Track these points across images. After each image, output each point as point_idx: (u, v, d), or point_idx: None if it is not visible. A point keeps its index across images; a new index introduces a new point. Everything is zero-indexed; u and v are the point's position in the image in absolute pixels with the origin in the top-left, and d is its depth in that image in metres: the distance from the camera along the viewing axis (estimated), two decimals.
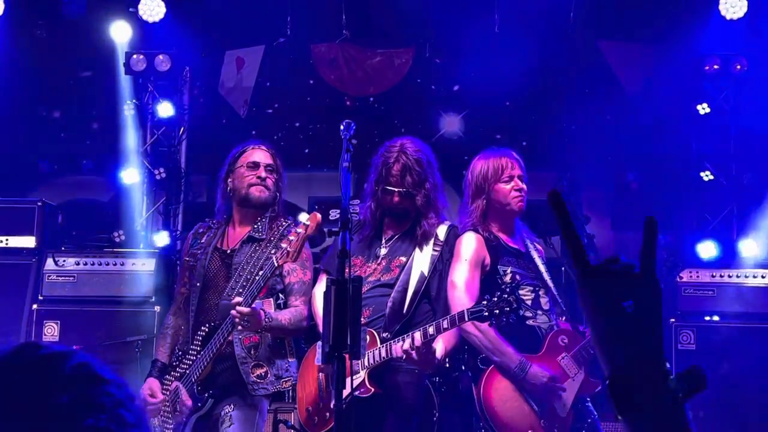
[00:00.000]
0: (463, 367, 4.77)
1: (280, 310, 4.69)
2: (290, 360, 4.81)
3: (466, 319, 4.14)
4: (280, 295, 4.68)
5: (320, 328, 4.53)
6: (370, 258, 4.63)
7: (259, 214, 4.84)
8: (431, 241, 4.59)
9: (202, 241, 4.95)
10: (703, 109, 8.07)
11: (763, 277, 7.09)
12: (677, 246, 8.41)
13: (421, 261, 4.55)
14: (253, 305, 4.41)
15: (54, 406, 1.29)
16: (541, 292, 4.64)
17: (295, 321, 4.63)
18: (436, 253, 4.56)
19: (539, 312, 4.59)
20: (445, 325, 4.20)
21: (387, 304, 4.49)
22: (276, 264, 4.31)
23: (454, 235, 4.62)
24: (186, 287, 4.94)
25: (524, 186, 4.72)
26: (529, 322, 4.57)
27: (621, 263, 1.44)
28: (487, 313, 4.08)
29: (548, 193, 1.43)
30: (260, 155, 4.86)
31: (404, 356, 4.21)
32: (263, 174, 4.79)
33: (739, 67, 8.00)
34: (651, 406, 1.34)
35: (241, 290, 4.64)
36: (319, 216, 4.21)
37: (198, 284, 4.82)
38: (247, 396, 4.65)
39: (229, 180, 4.89)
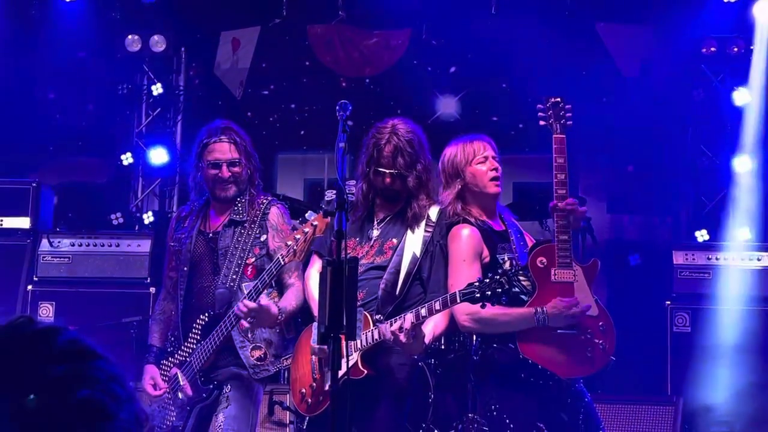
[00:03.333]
0: (495, 345, 4.66)
1: (273, 291, 4.70)
2: (288, 336, 4.84)
3: (458, 300, 4.13)
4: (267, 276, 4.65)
5: (314, 310, 4.55)
6: (362, 240, 4.62)
7: (236, 198, 4.84)
8: (423, 223, 4.57)
9: (185, 224, 4.96)
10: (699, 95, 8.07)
11: (758, 259, 7.09)
12: (673, 229, 8.43)
13: (413, 243, 4.54)
14: (261, 301, 4.41)
15: (48, 377, 1.29)
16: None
17: (300, 301, 4.66)
18: (428, 235, 4.55)
19: None
20: (437, 307, 4.19)
21: (380, 286, 4.48)
22: (282, 263, 4.32)
23: (446, 217, 4.61)
24: (174, 272, 4.94)
25: (499, 167, 4.67)
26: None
27: None
28: (479, 294, 4.06)
29: None
30: (221, 150, 4.77)
31: (392, 338, 4.20)
32: (225, 174, 4.75)
33: (736, 49, 7.98)
34: None
35: (234, 276, 4.66)
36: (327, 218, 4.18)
37: (185, 268, 4.83)
38: (244, 377, 4.68)
39: (199, 171, 4.87)
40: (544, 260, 4.49)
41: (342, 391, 3.78)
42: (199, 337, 4.63)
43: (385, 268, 4.51)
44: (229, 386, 4.65)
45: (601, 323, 4.45)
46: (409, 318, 4.18)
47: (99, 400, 1.30)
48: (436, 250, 4.55)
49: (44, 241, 7.39)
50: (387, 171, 4.50)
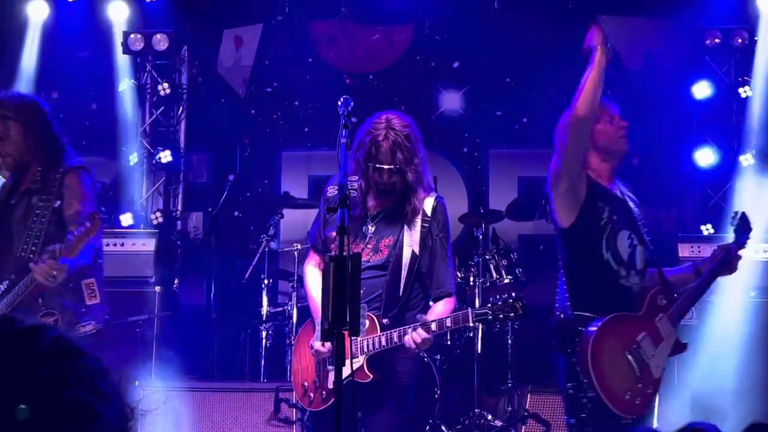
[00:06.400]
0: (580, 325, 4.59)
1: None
2: (89, 303, 4.73)
3: (471, 320, 4.21)
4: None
5: (311, 306, 4.54)
6: (357, 237, 4.54)
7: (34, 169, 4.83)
8: (419, 217, 4.52)
9: None
10: (701, 90, 8.03)
11: (765, 251, 7.06)
12: (679, 221, 8.40)
13: (411, 239, 4.49)
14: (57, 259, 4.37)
15: (34, 378, 1.28)
16: (638, 246, 4.53)
17: (89, 260, 4.63)
18: (425, 229, 4.51)
19: (633, 272, 4.47)
20: (449, 324, 4.26)
21: (382, 287, 4.46)
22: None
23: (441, 209, 4.56)
24: None
25: (627, 124, 4.69)
26: (622, 281, 4.45)
27: None
28: (491, 317, 4.18)
29: None
30: None
31: (413, 346, 4.26)
32: None
33: (740, 40, 7.95)
34: None
35: (36, 241, 4.64)
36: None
37: None
38: None
39: None
40: (664, 300, 4.51)
41: (346, 392, 3.78)
42: None
43: (380, 267, 4.48)
44: None
45: (651, 389, 4.41)
46: (420, 332, 4.23)
47: (85, 400, 1.30)
48: (436, 245, 4.52)
49: None
50: (386, 167, 4.41)
